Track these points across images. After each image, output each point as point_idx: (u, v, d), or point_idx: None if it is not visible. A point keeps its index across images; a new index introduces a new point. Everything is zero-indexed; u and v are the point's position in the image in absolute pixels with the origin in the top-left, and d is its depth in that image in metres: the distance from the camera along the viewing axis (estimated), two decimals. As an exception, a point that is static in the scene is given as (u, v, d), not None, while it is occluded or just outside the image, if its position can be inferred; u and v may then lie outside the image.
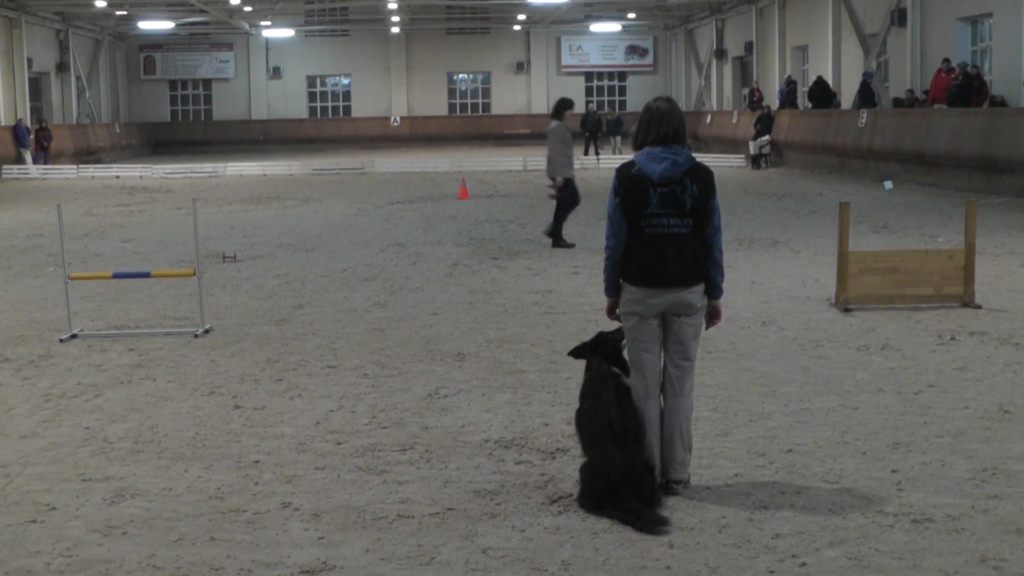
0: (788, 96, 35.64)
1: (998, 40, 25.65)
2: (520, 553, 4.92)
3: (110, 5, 41.01)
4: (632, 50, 54.81)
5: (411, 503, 5.56)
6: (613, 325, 6.02)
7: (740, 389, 7.68)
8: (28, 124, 38.15)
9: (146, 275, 11.58)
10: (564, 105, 15.57)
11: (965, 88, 24.85)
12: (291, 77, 54.07)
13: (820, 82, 33.26)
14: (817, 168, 31.05)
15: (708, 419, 6.90)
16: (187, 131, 53.24)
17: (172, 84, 54.59)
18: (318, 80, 54.86)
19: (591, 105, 46.80)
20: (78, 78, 45.84)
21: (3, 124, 37.43)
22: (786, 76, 37.30)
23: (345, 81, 54.81)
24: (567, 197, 15.51)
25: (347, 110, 54.89)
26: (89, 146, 43.10)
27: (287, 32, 51.23)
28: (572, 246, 15.23)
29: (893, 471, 5.92)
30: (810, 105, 33.70)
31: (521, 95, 54.66)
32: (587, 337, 6.21)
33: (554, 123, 15.41)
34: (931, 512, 5.31)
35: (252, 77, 54.00)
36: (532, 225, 18.33)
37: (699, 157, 5.77)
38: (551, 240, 15.45)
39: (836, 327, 9.73)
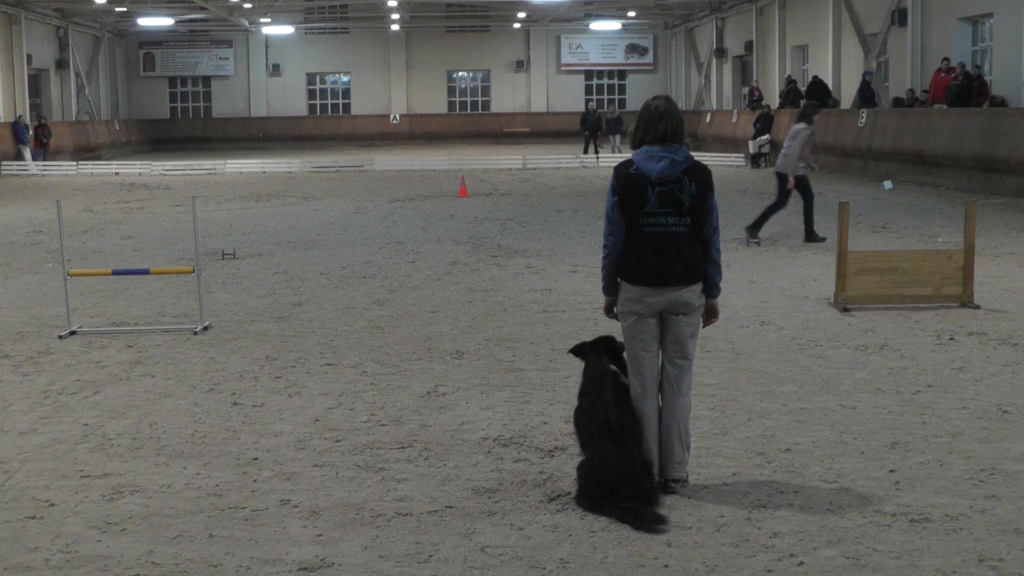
0: (787, 96, 35.61)
1: (998, 40, 25.65)
2: (518, 551, 4.93)
3: (110, 2, 40.99)
4: (632, 49, 54.79)
5: (409, 501, 5.57)
6: (612, 324, 6.03)
7: (739, 388, 7.68)
8: (27, 121, 38.12)
9: (145, 272, 11.59)
10: (812, 109, 15.44)
11: (965, 88, 24.85)
12: (291, 74, 54.01)
13: (817, 81, 33.23)
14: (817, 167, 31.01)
15: (706, 418, 6.91)
16: (186, 128, 53.18)
17: (172, 81, 54.52)
18: (318, 78, 54.80)
19: (591, 104, 46.78)
20: (77, 75, 45.81)
21: (2, 121, 37.40)
22: (786, 75, 37.29)
23: (345, 79, 54.76)
24: (783, 197, 15.31)
25: (347, 108, 54.83)
26: (88, 143, 43.08)
27: (287, 29, 51.18)
28: (823, 240, 15.10)
29: (891, 471, 5.92)
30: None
31: (521, 93, 54.64)
32: (587, 336, 6.22)
33: (801, 125, 15.09)
34: (929, 512, 5.31)
35: (252, 74, 53.95)
36: (531, 224, 18.35)
37: (698, 156, 5.75)
38: (812, 239, 15.28)
39: (835, 327, 9.73)
